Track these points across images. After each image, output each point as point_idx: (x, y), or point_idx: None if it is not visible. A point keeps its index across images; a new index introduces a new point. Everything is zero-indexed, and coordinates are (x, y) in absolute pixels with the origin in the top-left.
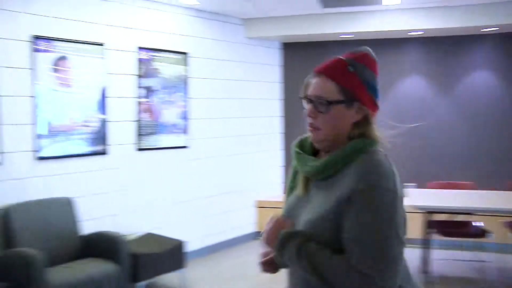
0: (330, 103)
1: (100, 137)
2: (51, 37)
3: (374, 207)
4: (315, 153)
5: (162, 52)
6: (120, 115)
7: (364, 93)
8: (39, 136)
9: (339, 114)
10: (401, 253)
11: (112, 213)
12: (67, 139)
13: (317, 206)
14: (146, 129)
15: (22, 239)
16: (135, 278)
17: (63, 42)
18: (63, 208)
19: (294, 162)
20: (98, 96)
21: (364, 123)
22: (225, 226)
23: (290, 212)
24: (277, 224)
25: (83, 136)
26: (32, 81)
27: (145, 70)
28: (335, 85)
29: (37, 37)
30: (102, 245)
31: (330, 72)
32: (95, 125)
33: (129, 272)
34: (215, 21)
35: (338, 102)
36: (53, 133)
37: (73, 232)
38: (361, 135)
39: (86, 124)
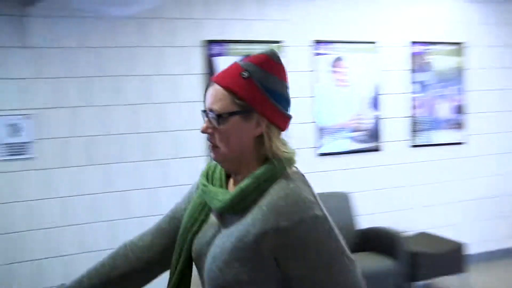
0: (222, 116)
1: (373, 134)
2: (329, 40)
3: (312, 243)
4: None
5: (436, 45)
6: (393, 111)
7: (264, 102)
8: (319, 134)
9: (235, 128)
10: (358, 273)
11: (386, 209)
12: (342, 136)
13: (224, 242)
14: (420, 125)
15: None
16: (413, 277)
17: (339, 43)
18: (341, 202)
19: (200, 196)
20: (371, 94)
21: (268, 137)
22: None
23: (197, 242)
24: None
25: (358, 133)
26: (313, 83)
27: (418, 64)
28: (228, 94)
29: (317, 41)
30: (380, 241)
31: (223, 80)
32: (369, 122)
33: (407, 270)
34: (495, 3)
35: (231, 114)
36: (331, 130)
37: (351, 226)
38: (272, 153)
39: (361, 121)
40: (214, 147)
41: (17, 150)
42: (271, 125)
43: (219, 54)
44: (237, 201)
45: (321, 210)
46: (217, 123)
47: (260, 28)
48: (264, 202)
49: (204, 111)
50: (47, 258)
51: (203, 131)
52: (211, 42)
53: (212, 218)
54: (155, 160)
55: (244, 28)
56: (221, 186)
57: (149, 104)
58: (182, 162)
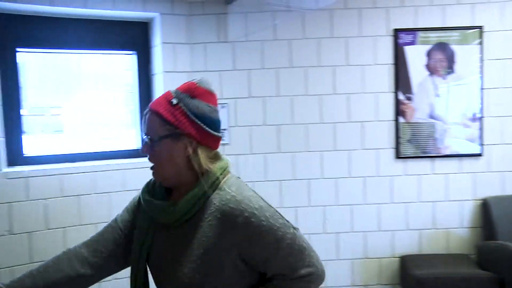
0: (153, 139)
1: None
2: None
3: (265, 227)
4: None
5: None
6: (502, 108)
7: (191, 126)
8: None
9: (167, 149)
10: (304, 237)
11: None
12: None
13: (186, 250)
14: None
15: (501, 231)
16: None
17: None
18: None
19: (144, 210)
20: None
21: (196, 156)
22: None
23: (154, 255)
24: None
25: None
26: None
27: None
28: (159, 120)
29: None
30: None
31: (156, 107)
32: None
33: None
34: None
35: (162, 138)
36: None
37: None
38: (202, 169)
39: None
40: (152, 167)
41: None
42: (201, 145)
43: (409, 43)
44: (186, 211)
45: (262, 200)
46: (153, 146)
47: (457, 13)
48: (214, 209)
49: (143, 136)
50: None
51: (142, 152)
52: (401, 31)
53: (160, 235)
54: (339, 150)
55: (438, 14)
56: (164, 200)
57: (335, 95)
58: (367, 153)
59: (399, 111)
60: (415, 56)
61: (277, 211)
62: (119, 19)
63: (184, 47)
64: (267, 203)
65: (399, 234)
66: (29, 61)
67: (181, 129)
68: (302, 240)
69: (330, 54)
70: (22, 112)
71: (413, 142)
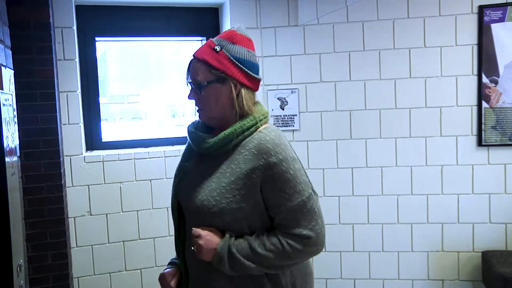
0: (202, 84)
1: None
2: None
3: (290, 175)
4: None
5: None
6: None
7: (234, 69)
8: None
9: (215, 92)
10: (320, 206)
11: None
12: None
13: (217, 177)
14: None
15: None
16: None
17: None
18: None
19: (188, 143)
20: None
21: (242, 97)
22: None
23: (184, 185)
24: (208, 237)
25: None
26: None
27: None
28: (205, 66)
29: None
30: None
31: (201, 55)
32: None
33: None
34: None
35: (209, 82)
36: None
37: None
38: (246, 110)
39: None
40: (199, 110)
41: (286, 122)
42: (244, 87)
43: (497, 21)
44: (224, 142)
45: (295, 153)
46: (201, 91)
47: None
48: (252, 146)
49: (190, 82)
50: None
51: (189, 98)
52: (487, 7)
53: (195, 165)
54: (415, 137)
55: None
56: (203, 132)
57: (411, 79)
58: (445, 141)
59: (482, 95)
60: (503, 35)
61: (304, 169)
62: (189, 6)
63: (254, 32)
64: (298, 158)
65: (480, 228)
66: (110, 52)
67: (226, 73)
68: (316, 204)
69: (406, 36)
70: (102, 100)
71: (498, 129)
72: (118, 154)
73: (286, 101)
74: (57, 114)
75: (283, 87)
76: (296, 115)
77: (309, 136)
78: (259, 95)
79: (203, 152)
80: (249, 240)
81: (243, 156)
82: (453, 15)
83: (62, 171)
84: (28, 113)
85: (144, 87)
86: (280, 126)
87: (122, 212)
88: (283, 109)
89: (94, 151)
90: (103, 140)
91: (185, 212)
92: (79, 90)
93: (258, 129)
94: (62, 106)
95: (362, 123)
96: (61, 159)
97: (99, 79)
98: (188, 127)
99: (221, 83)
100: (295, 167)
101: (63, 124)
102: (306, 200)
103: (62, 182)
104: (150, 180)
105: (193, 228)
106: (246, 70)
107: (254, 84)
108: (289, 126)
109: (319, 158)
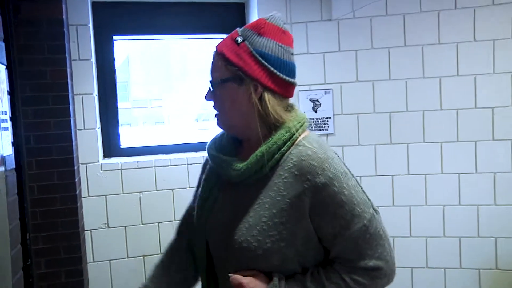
0: (216, 83)
1: None
2: None
3: (345, 196)
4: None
5: None
6: None
7: (255, 66)
8: None
9: (230, 94)
10: (383, 226)
11: None
12: None
13: (255, 211)
14: None
15: None
16: None
17: None
18: None
19: (211, 167)
20: None
21: (266, 102)
22: None
23: (212, 221)
24: (252, 285)
25: None
26: None
27: None
28: (222, 61)
29: None
30: None
31: (220, 47)
32: None
33: None
34: None
35: (224, 80)
36: None
37: None
38: (274, 118)
39: None
40: (216, 115)
41: (319, 125)
42: (267, 91)
43: None
44: (257, 166)
45: (345, 166)
46: (216, 90)
47: None
48: (291, 165)
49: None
50: None
51: (206, 98)
52: None
53: (225, 194)
54: (463, 142)
55: None
56: (231, 155)
57: (458, 77)
58: (498, 145)
59: None
60: None
61: (359, 184)
62: (213, 0)
63: None
64: (351, 172)
65: None
66: (133, 56)
67: (245, 70)
68: (380, 226)
69: (452, 29)
70: (125, 105)
71: None
72: (137, 162)
73: (319, 102)
74: (71, 118)
75: (316, 88)
76: (330, 118)
77: (345, 140)
78: None
79: (232, 179)
80: (303, 283)
81: (283, 180)
82: (508, 3)
83: (76, 180)
84: (39, 118)
85: (167, 91)
86: (312, 130)
87: (142, 224)
88: (316, 112)
89: (112, 158)
90: (121, 146)
91: (214, 253)
92: (96, 92)
93: (296, 142)
94: (77, 110)
95: (403, 126)
96: (75, 167)
97: (123, 83)
98: (208, 147)
99: (238, 82)
100: (350, 185)
101: (78, 130)
102: (368, 224)
103: (77, 192)
104: (172, 189)
105: (230, 275)
106: (272, 69)
107: (282, 87)
108: (323, 130)
109: (355, 165)
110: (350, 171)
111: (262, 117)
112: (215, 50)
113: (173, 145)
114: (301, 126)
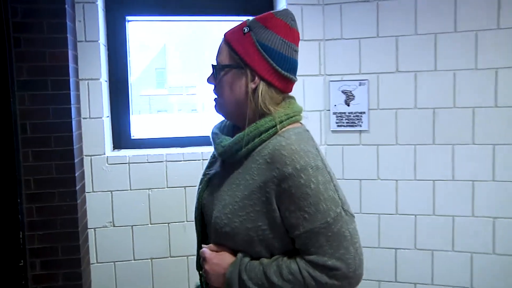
0: (217, 67)
1: None
2: None
3: (311, 190)
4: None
5: None
6: None
7: (256, 57)
8: None
9: (230, 80)
10: (355, 229)
11: None
12: None
13: (232, 190)
14: None
15: None
16: None
17: None
18: None
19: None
20: None
21: (259, 93)
22: None
23: (206, 195)
24: (215, 261)
25: None
26: None
27: None
28: (227, 48)
29: None
30: None
31: (229, 35)
32: None
33: None
34: None
35: (225, 66)
36: None
37: None
38: (262, 108)
39: None
40: (215, 99)
41: (351, 121)
42: (264, 82)
43: None
44: (235, 146)
45: (322, 161)
46: (217, 75)
47: None
48: (266, 153)
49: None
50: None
51: (208, 81)
52: None
53: (218, 172)
54: None
55: None
56: (228, 135)
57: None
58: None
59: None
60: None
61: (333, 182)
62: None
63: (314, 10)
64: (327, 168)
65: None
66: (169, 45)
67: (245, 60)
68: (346, 227)
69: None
70: (161, 91)
71: None
72: (147, 155)
73: (353, 95)
74: (71, 106)
75: (350, 78)
76: (364, 112)
77: (380, 139)
78: (319, 87)
79: (221, 158)
80: (264, 266)
81: (257, 165)
82: None
83: (77, 174)
84: (37, 104)
85: (202, 78)
86: (344, 126)
87: (151, 224)
88: (348, 105)
89: (122, 150)
90: (133, 137)
91: (207, 227)
92: (105, 77)
93: (278, 133)
94: (83, 97)
95: (449, 124)
96: (75, 160)
97: (160, 70)
98: (213, 126)
99: (238, 71)
100: (319, 179)
101: (83, 118)
102: (331, 222)
103: (77, 187)
104: (185, 187)
105: (201, 249)
106: (271, 62)
107: (280, 81)
108: (355, 126)
109: (392, 167)
110: (327, 167)
111: (251, 107)
112: (223, 36)
113: (187, 138)
114: (288, 118)
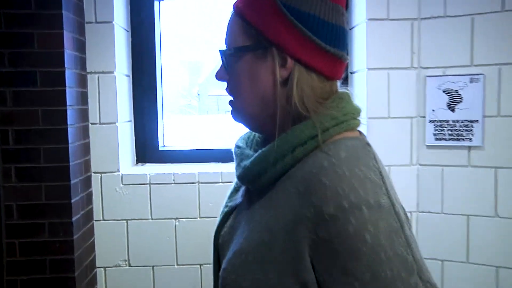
0: (226, 53)
1: None
2: None
3: (367, 244)
4: None
5: None
6: None
7: (284, 29)
8: None
9: (249, 69)
10: None
11: None
12: None
13: (250, 230)
14: None
15: None
16: None
17: None
18: None
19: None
20: None
21: (295, 82)
22: None
23: (224, 232)
24: None
25: None
26: None
27: None
28: (241, 23)
29: None
30: None
31: (239, 2)
32: None
33: None
34: None
35: (239, 49)
36: None
37: None
38: (302, 107)
39: None
40: (232, 102)
41: (457, 132)
42: (301, 65)
43: None
44: (257, 168)
45: (388, 197)
46: (225, 64)
47: None
48: (299, 178)
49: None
50: None
51: (217, 77)
52: None
53: (241, 201)
54: None
55: None
56: (256, 151)
57: None
58: None
59: None
60: None
61: (405, 232)
62: None
63: None
64: (395, 209)
65: None
66: None
67: (269, 35)
68: None
69: None
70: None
71: None
72: (173, 174)
73: (460, 96)
74: (67, 108)
75: (455, 72)
76: (477, 121)
77: (500, 159)
78: (410, 84)
79: (241, 183)
80: None
81: (286, 197)
82: None
83: (74, 200)
84: (22, 105)
85: None
86: (446, 140)
87: (177, 265)
88: (453, 111)
89: (146, 165)
90: (163, 148)
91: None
92: (124, 70)
93: (320, 146)
94: (91, 96)
95: None
96: (72, 181)
97: None
98: (238, 139)
99: (260, 53)
100: (380, 227)
101: (92, 124)
102: None
103: (76, 217)
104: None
105: None
106: (309, 33)
107: (325, 62)
108: (462, 140)
109: (507, 198)
110: (395, 207)
111: (282, 106)
112: (233, 7)
113: (228, 150)
114: (337, 124)
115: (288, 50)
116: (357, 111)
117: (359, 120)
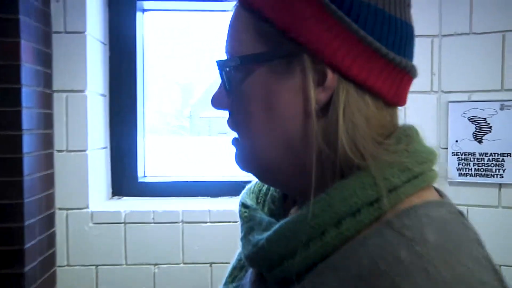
0: (230, 65)
1: None
2: None
3: None
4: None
5: None
6: None
7: (325, 27)
8: None
9: (263, 89)
10: None
11: None
12: None
13: None
14: None
15: None
16: None
17: None
18: None
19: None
20: None
21: (341, 110)
22: None
23: None
24: None
25: None
26: None
27: None
28: (251, 19)
29: None
30: None
31: None
32: None
33: None
34: None
35: (246, 59)
36: None
37: None
38: (352, 150)
39: None
40: (236, 140)
41: (485, 168)
42: (350, 83)
43: None
44: (279, 248)
45: (501, 281)
46: (225, 83)
47: None
48: (353, 274)
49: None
50: None
51: (213, 104)
52: None
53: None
54: None
55: None
56: (273, 215)
57: None
58: None
59: None
60: None
61: None
62: None
63: None
64: None
65: None
66: None
67: (297, 35)
68: None
69: None
70: (207, 114)
71: None
72: (153, 211)
73: (489, 125)
74: (23, 133)
75: (483, 98)
76: (509, 154)
77: None
78: (429, 110)
79: (251, 266)
80: None
81: None
82: None
83: (29, 245)
84: None
85: None
86: (472, 176)
87: None
88: (480, 142)
89: (123, 198)
90: (141, 179)
91: None
92: (99, 90)
93: (385, 216)
94: (58, 118)
95: None
96: (25, 222)
97: None
98: (244, 191)
99: (284, 63)
100: None
101: (57, 151)
102: None
103: (29, 267)
104: (211, 263)
105: None
106: (362, 33)
107: (388, 78)
108: (492, 176)
109: None
110: None
111: (320, 147)
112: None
113: (221, 183)
114: (409, 180)
115: (328, 59)
116: (434, 157)
117: (436, 172)
